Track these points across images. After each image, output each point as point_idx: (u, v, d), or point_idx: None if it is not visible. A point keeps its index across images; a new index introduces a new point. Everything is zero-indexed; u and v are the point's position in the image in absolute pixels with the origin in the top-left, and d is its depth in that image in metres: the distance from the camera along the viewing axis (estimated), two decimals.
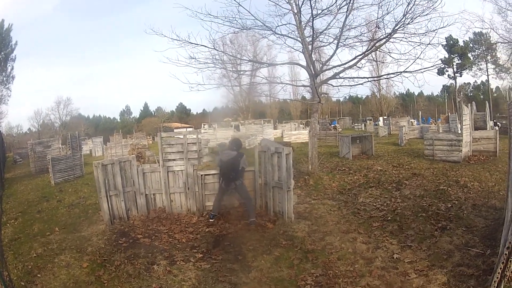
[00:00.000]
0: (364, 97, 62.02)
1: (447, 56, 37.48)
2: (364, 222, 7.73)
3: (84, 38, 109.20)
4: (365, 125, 42.99)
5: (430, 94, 72.05)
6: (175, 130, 40.54)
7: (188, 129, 41.59)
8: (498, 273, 3.79)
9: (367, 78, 12.04)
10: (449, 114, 30.80)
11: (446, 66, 34.15)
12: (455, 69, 49.73)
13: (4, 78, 42.27)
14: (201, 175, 8.76)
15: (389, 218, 7.75)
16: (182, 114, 76.44)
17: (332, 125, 36.73)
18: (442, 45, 27.98)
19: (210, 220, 8.06)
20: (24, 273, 6.09)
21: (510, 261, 3.67)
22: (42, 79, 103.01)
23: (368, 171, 13.04)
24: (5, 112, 45.86)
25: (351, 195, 10.01)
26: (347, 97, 60.62)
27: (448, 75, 51.50)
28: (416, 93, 68.01)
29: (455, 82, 53.31)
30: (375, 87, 55.39)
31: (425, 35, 10.45)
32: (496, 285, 3.85)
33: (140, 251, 6.69)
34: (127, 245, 7.01)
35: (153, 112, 78.94)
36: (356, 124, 49.82)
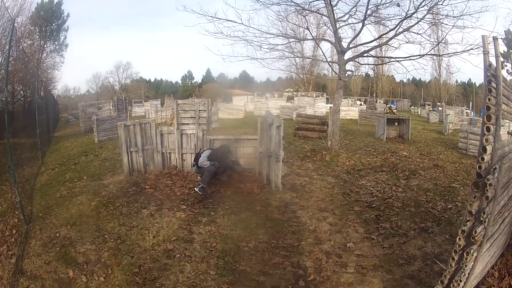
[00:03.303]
0: (427, 80, 56.15)
1: (505, 50, 31.11)
2: (347, 205, 6.76)
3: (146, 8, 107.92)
4: (421, 110, 38.72)
5: None
6: (233, 98, 39.82)
7: (250, 97, 40.56)
8: None
9: (395, 58, 10.45)
10: None
11: (505, 60, 28.73)
12: None
13: (57, 47, 43.36)
14: (210, 139, 8.79)
15: (373, 205, 6.62)
16: (245, 82, 72.84)
17: (388, 105, 33.30)
18: (501, 38, 23.58)
19: (200, 192, 7.12)
20: (44, 208, 6.82)
21: None
22: (103, 46, 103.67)
23: (392, 155, 11.46)
24: (58, 77, 47.55)
25: (356, 176, 8.83)
26: (410, 78, 55.17)
27: (507, 70, 43.45)
28: (477, 84, 58.76)
29: None
30: (435, 71, 49.69)
31: (460, 18, 8.91)
32: None
33: (141, 198, 7.11)
34: (133, 192, 7.45)
35: (215, 78, 73.93)
36: (413, 108, 45.13)
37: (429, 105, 43.84)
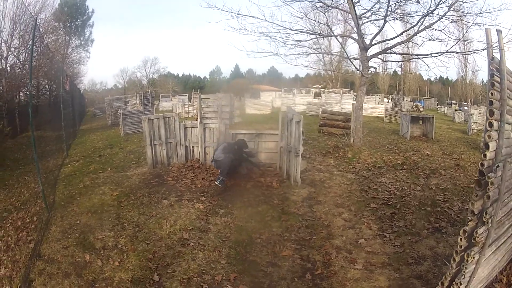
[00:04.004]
0: (454, 79, 54.17)
1: None
2: (363, 201, 6.76)
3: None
4: (447, 109, 37.48)
5: None
6: (261, 93, 39.78)
7: (278, 93, 40.45)
8: None
9: (416, 55, 10.28)
10: None
11: None
12: None
13: (83, 42, 44.27)
14: (232, 133, 8.93)
15: (390, 203, 6.58)
16: (273, 78, 72.07)
17: (414, 104, 32.41)
18: None
19: (220, 185, 7.23)
20: (67, 197, 7.16)
21: None
22: (130, 41, 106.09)
23: (414, 153, 11.26)
24: (84, 72, 49.22)
25: (376, 173, 8.78)
26: (437, 77, 53.35)
27: None
28: None
29: None
30: (461, 70, 47.82)
31: (479, 15, 8.90)
32: None
33: (162, 189, 7.38)
34: (155, 184, 7.75)
35: (243, 74, 74.54)
36: (440, 107, 43.67)
37: (455, 104, 42.41)
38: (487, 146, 2.49)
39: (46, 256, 4.81)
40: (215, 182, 7.29)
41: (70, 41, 38.39)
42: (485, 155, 2.50)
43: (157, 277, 4.20)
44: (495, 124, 2.51)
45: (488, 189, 2.46)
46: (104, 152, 12.13)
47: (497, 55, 2.63)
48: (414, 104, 32.25)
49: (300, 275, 4.24)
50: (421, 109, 28.98)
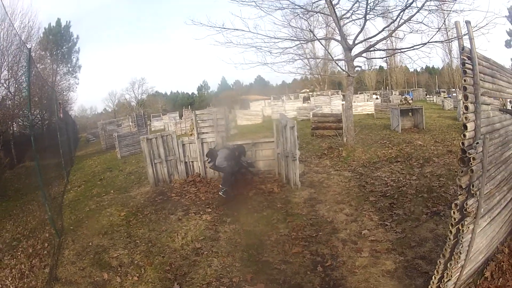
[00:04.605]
0: (440, 67, 55.16)
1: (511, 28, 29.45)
2: (362, 196, 7.09)
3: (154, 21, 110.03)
4: (436, 98, 38.25)
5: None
6: (251, 103, 40.13)
7: (267, 101, 40.84)
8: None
9: (399, 49, 10.66)
10: None
11: (511, 38, 27.50)
12: None
13: (70, 69, 44.24)
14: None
15: (388, 194, 6.92)
16: (261, 86, 71.19)
17: (403, 96, 33.09)
18: (505, 16, 22.99)
19: (224, 196, 7.61)
20: (75, 222, 7.38)
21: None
22: (116, 64, 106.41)
23: (407, 145, 11.65)
24: (74, 98, 48.20)
25: (372, 169, 9.13)
26: (423, 67, 54.35)
27: None
28: None
29: None
30: (446, 57, 48.86)
31: (457, 1, 9.19)
32: None
33: (168, 205, 7.65)
34: (160, 201, 8.02)
35: (231, 86, 74.29)
36: (428, 96, 44.51)
37: (444, 92, 43.25)
38: (465, 127, 2.82)
39: (64, 279, 4.97)
40: (219, 193, 7.58)
41: (58, 69, 38.38)
42: (464, 135, 2.83)
43: (177, 286, 4.42)
44: (471, 106, 2.84)
45: (471, 164, 2.77)
46: (104, 175, 12.32)
47: (468, 44, 2.97)
48: (403, 97, 32.98)
49: (312, 268, 4.51)
50: (410, 101, 29.66)
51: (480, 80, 3.01)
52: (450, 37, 10.54)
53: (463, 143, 2.83)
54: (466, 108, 2.81)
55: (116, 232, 6.43)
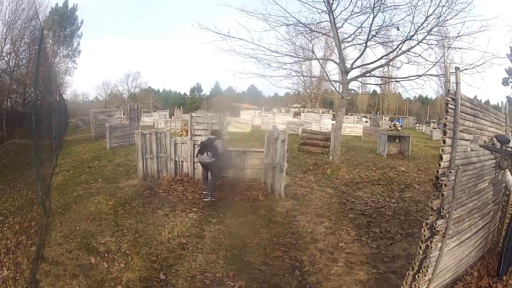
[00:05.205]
0: (434, 98, 56.83)
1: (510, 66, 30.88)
2: (342, 212, 7.52)
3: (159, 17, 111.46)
4: (425, 127, 39.48)
5: (496, 104, 62.00)
6: (241, 112, 40.58)
7: (257, 111, 41.36)
8: None
9: (394, 78, 11.28)
10: None
11: (510, 76, 28.77)
12: None
13: (70, 52, 44.21)
14: None
15: (366, 213, 7.37)
16: (253, 96, 70.10)
17: (393, 123, 34.04)
18: (507, 54, 24.14)
19: (205, 199, 7.90)
20: (63, 205, 7.55)
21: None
22: (113, 54, 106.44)
23: (390, 170, 12.22)
24: (69, 82, 48.51)
25: (354, 188, 9.60)
26: (417, 96, 55.86)
27: None
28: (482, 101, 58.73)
29: None
30: (441, 89, 50.44)
31: (458, 39, 9.62)
32: None
33: (155, 200, 7.93)
34: (148, 195, 8.30)
35: (224, 91, 74.74)
36: (418, 125, 45.90)
37: (434, 122, 44.52)
38: (441, 158, 3.25)
39: (50, 258, 5.12)
40: (204, 199, 7.87)
41: (58, 51, 38.13)
42: (439, 164, 3.25)
43: (163, 276, 4.68)
44: (448, 141, 3.28)
45: (442, 189, 3.19)
46: (93, 163, 12.45)
47: (454, 87, 3.40)
48: (392, 123, 33.86)
49: (290, 272, 4.85)
50: (399, 128, 30.51)
51: (461, 118, 3.45)
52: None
53: (437, 171, 3.25)
54: (444, 142, 3.23)
55: (104, 219, 6.64)
